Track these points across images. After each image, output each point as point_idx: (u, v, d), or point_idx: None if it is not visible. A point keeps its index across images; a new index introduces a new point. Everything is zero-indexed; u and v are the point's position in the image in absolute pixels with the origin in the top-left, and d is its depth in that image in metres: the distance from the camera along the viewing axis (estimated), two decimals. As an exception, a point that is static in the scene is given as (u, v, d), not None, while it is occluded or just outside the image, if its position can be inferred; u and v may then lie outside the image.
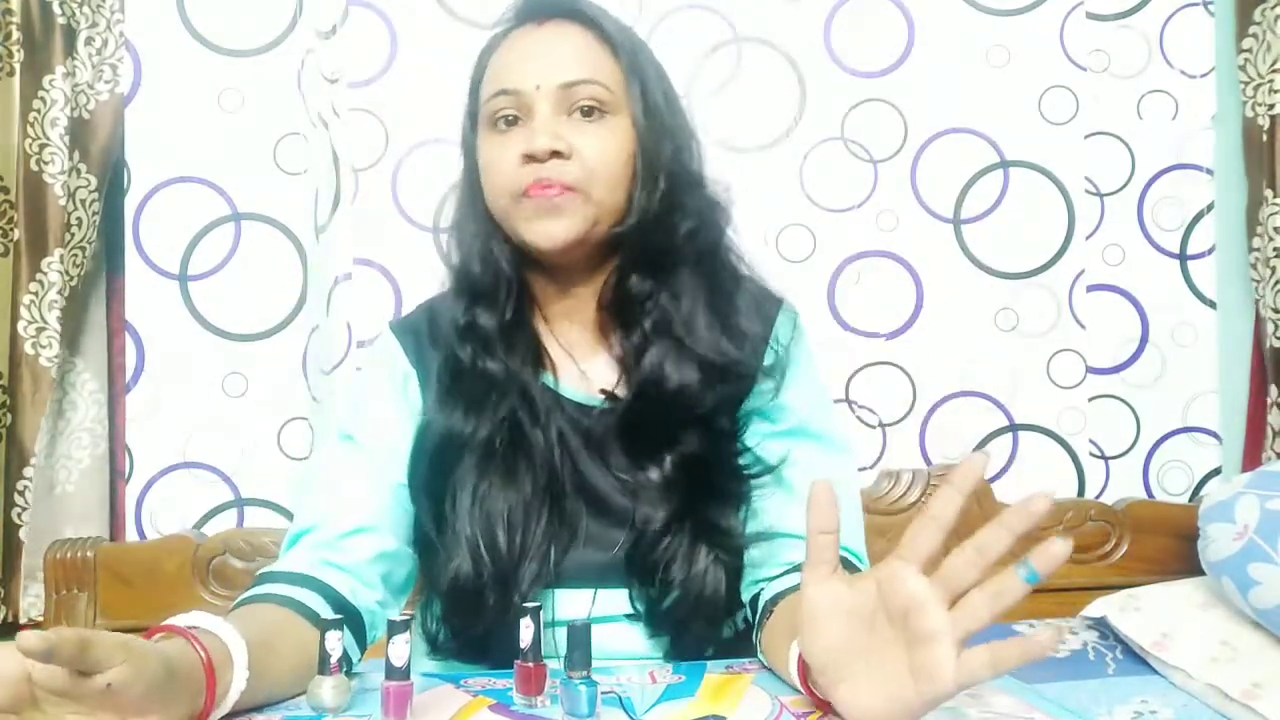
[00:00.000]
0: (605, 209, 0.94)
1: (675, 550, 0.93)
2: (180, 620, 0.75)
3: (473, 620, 0.92)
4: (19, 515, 1.47)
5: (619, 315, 0.98)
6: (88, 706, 0.63)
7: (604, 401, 0.97)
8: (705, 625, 0.94)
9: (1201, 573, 1.34)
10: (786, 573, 0.93)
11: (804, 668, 0.74)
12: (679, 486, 0.94)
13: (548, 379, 0.98)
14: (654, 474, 0.94)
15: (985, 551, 0.61)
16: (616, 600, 0.95)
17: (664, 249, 0.96)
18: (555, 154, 0.91)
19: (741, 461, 0.96)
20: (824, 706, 0.74)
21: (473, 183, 1.00)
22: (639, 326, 0.96)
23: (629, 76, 0.96)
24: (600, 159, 0.93)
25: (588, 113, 0.93)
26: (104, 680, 0.61)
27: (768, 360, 0.98)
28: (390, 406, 0.99)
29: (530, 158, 0.91)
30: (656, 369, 0.94)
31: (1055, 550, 0.58)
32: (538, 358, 0.98)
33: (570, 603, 0.94)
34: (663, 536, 0.93)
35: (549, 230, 0.93)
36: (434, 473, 0.96)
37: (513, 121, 0.94)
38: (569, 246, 0.93)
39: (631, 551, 0.94)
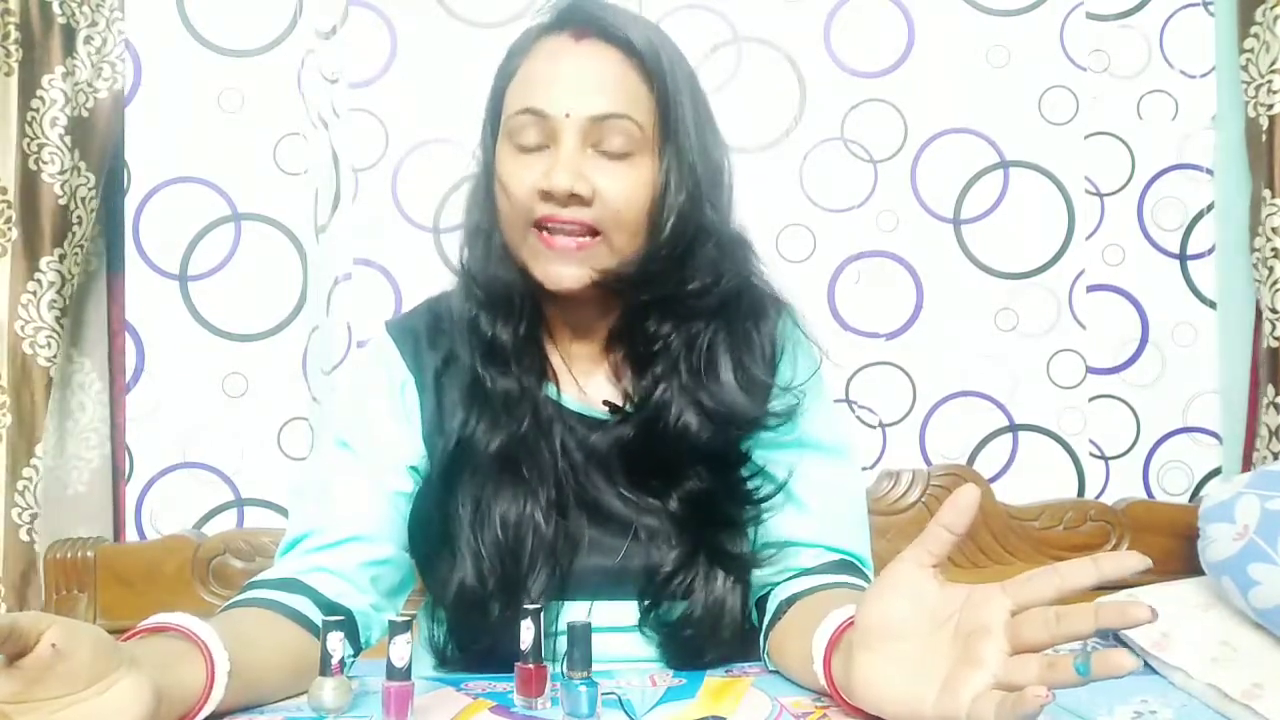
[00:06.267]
0: (623, 254, 0.90)
1: (692, 581, 0.92)
2: (144, 623, 0.75)
3: (479, 633, 0.91)
4: (19, 515, 1.47)
5: (628, 352, 0.96)
6: (45, 686, 0.61)
7: (607, 414, 0.96)
8: (728, 640, 0.93)
9: (1201, 573, 1.34)
10: (793, 577, 0.93)
11: (832, 647, 0.74)
12: (688, 523, 0.93)
13: (550, 390, 0.97)
14: (658, 507, 0.93)
15: (1065, 623, 0.61)
16: (618, 610, 0.94)
17: (679, 298, 0.92)
18: (574, 196, 0.87)
19: (751, 485, 0.95)
20: (832, 692, 0.74)
21: (488, 188, 0.95)
22: (651, 370, 0.93)
23: (662, 113, 0.90)
24: (624, 202, 0.88)
25: (616, 149, 0.88)
26: (47, 641, 0.60)
27: (775, 405, 0.95)
28: (386, 412, 0.98)
29: (548, 195, 0.87)
30: (666, 414, 0.92)
31: (1116, 660, 0.58)
32: (542, 370, 0.97)
33: (573, 613, 0.93)
34: (677, 573, 0.92)
35: (558, 275, 0.89)
36: (438, 485, 0.95)
37: (537, 142, 0.89)
38: (579, 291, 0.91)
39: (646, 587, 0.93)
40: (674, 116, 0.91)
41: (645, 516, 0.94)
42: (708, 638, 0.92)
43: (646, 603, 0.93)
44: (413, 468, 0.97)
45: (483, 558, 0.91)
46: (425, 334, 1.00)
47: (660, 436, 0.92)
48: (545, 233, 0.89)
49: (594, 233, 0.89)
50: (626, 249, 0.90)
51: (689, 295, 0.92)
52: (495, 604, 0.90)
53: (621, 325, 0.95)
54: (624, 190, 0.89)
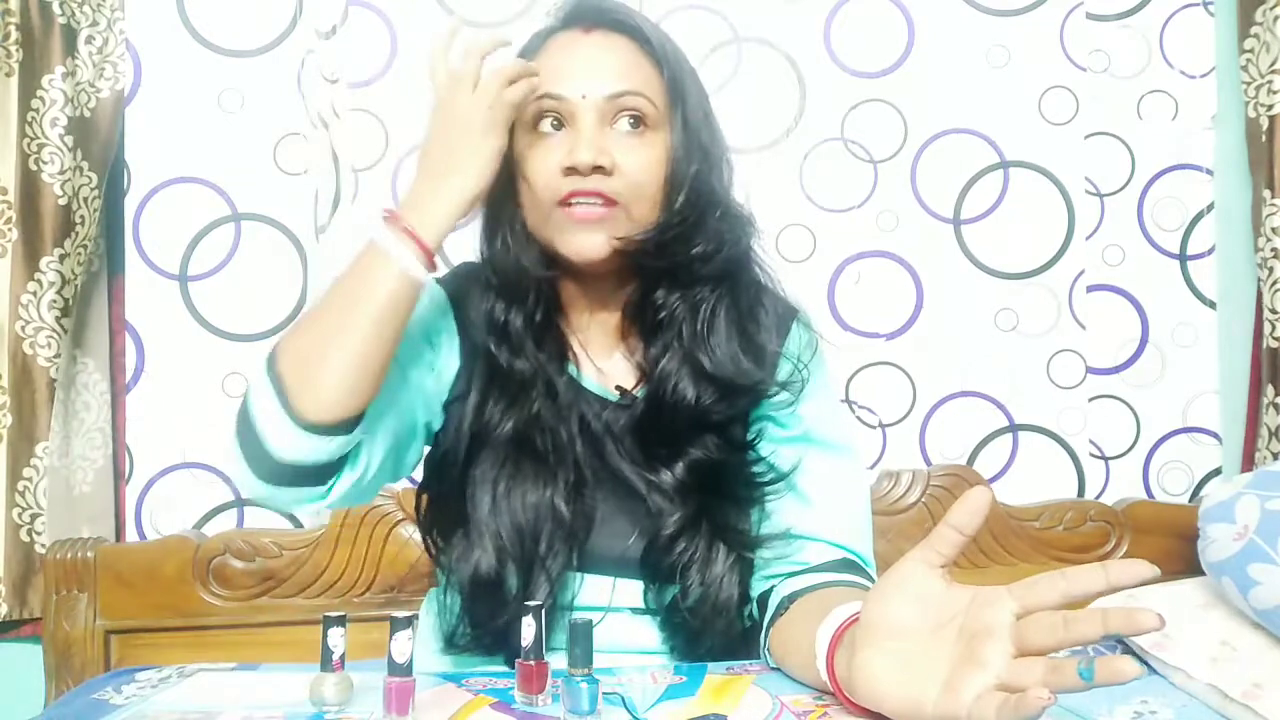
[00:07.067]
0: (640, 225, 0.94)
1: (693, 553, 0.94)
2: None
3: (496, 611, 0.93)
4: (19, 515, 1.47)
5: (640, 323, 0.98)
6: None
7: (620, 397, 0.98)
8: (724, 625, 0.95)
9: (1201, 573, 1.34)
10: (800, 573, 0.94)
11: (835, 644, 0.74)
12: (693, 491, 0.95)
13: (570, 369, 0.99)
14: (668, 477, 0.95)
15: (1073, 628, 0.62)
16: (632, 591, 0.96)
17: (688, 265, 0.95)
18: (598, 168, 0.90)
19: (755, 470, 0.97)
20: (835, 689, 0.74)
21: (507, 179, 0.97)
22: (659, 338, 0.97)
23: (672, 93, 0.95)
24: (642, 174, 0.92)
25: (631, 124, 0.93)
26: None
27: (782, 373, 0.98)
28: (417, 323, 0.97)
29: (572, 170, 0.90)
30: (671, 381, 0.95)
31: (1119, 667, 0.58)
32: (561, 350, 0.99)
33: (590, 590, 0.96)
34: (678, 539, 0.94)
35: (584, 244, 0.92)
36: (455, 462, 0.97)
37: (556, 127, 0.93)
38: (603, 261, 0.93)
39: (648, 553, 0.95)
40: (682, 94, 0.96)
41: (656, 494, 0.96)
42: (705, 620, 0.94)
43: (649, 570, 0.95)
44: (428, 405, 0.98)
45: (502, 536, 0.93)
46: (462, 291, 1.02)
47: (667, 403, 0.95)
48: (569, 207, 0.92)
49: (614, 204, 0.92)
50: (644, 218, 0.94)
51: (696, 260, 0.95)
52: (514, 582, 0.92)
53: (636, 300, 0.98)
54: (642, 163, 0.93)
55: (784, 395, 0.97)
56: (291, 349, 0.87)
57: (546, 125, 0.93)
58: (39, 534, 1.48)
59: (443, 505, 0.99)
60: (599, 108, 0.92)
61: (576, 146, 0.90)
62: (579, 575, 0.96)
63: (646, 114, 0.93)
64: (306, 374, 0.84)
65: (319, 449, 0.85)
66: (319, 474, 0.88)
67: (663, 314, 0.96)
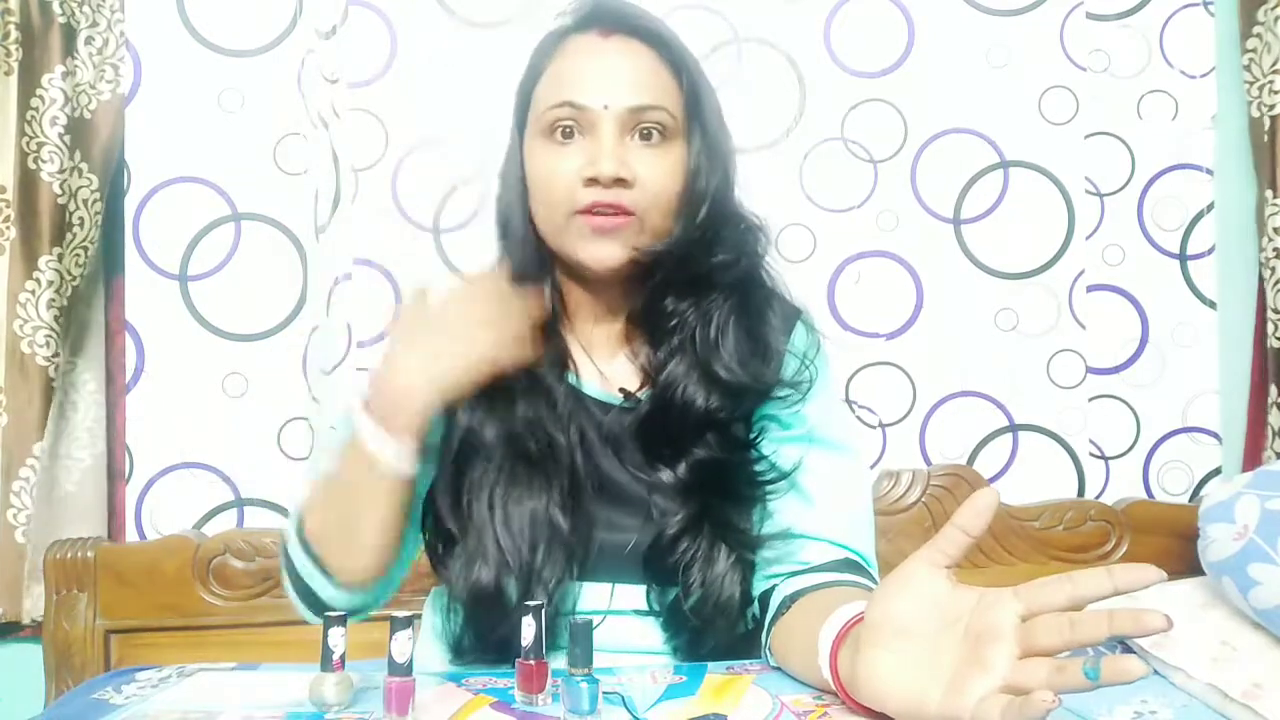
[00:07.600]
0: (657, 233, 0.94)
1: (695, 552, 0.94)
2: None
3: (498, 621, 0.92)
4: (15, 516, 1.47)
5: (647, 328, 0.98)
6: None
7: (623, 400, 0.98)
8: (726, 625, 0.95)
9: (1202, 573, 1.34)
10: (801, 573, 0.93)
11: (839, 642, 0.74)
12: (695, 489, 0.95)
13: (570, 377, 0.99)
14: (669, 477, 0.95)
15: (1078, 629, 0.61)
16: (633, 595, 0.96)
17: (702, 273, 0.96)
18: (619, 180, 0.90)
19: (757, 468, 0.97)
20: (838, 688, 0.74)
21: (515, 183, 0.98)
22: (666, 342, 0.96)
23: (691, 103, 0.95)
24: (661, 186, 0.93)
25: (648, 136, 0.93)
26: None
27: (789, 371, 0.98)
28: None
29: (593, 181, 0.91)
30: (680, 385, 0.95)
31: (1126, 666, 0.58)
32: (561, 357, 0.99)
33: (590, 596, 0.95)
34: (681, 538, 0.94)
35: (602, 253, 0.92)
36: (455, 474, 0.96)
37: (570, 134, 0.93)
38: (620, 269, 0.93)
39: (650, 553, 0.95)
40: (701, 105, 0.96)
41: (658, 495, 0.96)
42: (707, 619, 0.93)
43: (651, 571, 0.95)
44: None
45: (501, 547, 0.92)
46: None
47: (675, 405, 0.95)
48: (588, 215, 0.92)
49: (630, 215, 0.92)
50: (660, 228, 0.94)
51: (716, 269, 0.96)
52: (514, 592, 0.91)
53: (643, 306, 0.98)
54: (661, 175, 0.93)
55: (791, 394, 0.97)
56: (319, 527, 0.92)
57: (564, 131, 0.93)
58: (30, 533, 1.48)
59: (441, 519, 0.98)
60: (620, 119, 0.92)
61: (598, 158, 0.90)
62: (579, 582, 0.95)
63: (666, 126, 0.93)
64: (341, 552, 0.91)
65: (367, 595, 0.94)
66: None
67: (674, 320, 0.96)
